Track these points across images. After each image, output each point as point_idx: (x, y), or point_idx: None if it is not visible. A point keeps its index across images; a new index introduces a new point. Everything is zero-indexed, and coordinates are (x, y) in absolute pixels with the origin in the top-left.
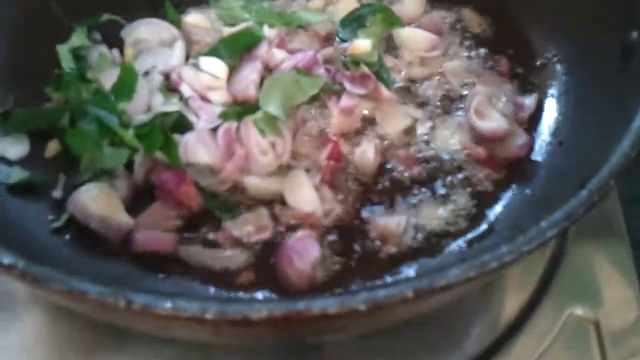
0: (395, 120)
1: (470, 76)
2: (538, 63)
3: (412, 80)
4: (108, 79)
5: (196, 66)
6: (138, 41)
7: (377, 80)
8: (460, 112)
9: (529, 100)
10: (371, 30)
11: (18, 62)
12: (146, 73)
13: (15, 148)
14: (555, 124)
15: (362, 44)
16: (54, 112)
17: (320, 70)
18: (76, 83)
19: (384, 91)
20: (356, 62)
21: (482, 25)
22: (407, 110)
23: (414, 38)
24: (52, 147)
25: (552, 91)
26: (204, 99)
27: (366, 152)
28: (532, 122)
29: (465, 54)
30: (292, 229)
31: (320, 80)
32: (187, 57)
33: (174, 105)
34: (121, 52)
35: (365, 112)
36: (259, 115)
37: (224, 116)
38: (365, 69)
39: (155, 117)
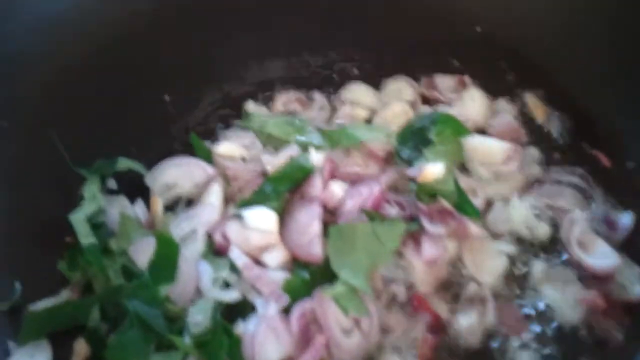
0: (488, 263)
1: (551, 198)
2: (630, 166)
3: (490, 203)
4: (139, 252)
5: (240, 217)
6: (167, 187)
7: (459, 214)
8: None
9: (625, 219)
10: (440, 149)
11: (21, 231)
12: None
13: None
14: None
15: (434, 170)
16: (79, 309)
17: (393, 210)
18: (99, 259)
19: (472, 227)
20: (430, 191)
21: (547, 113)
22: (498, 247)
23: (486, 149)
24: (80, 350)
25: None
26: (258, 262)
27: (471, 324)
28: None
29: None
30: None
31: (399, 227)
32: (226, 200)
33: (231, 293)
34: (146, 201)
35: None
36: (338, 289)
37: (291, 291)
38: (443, 202)
39: (213, 319)
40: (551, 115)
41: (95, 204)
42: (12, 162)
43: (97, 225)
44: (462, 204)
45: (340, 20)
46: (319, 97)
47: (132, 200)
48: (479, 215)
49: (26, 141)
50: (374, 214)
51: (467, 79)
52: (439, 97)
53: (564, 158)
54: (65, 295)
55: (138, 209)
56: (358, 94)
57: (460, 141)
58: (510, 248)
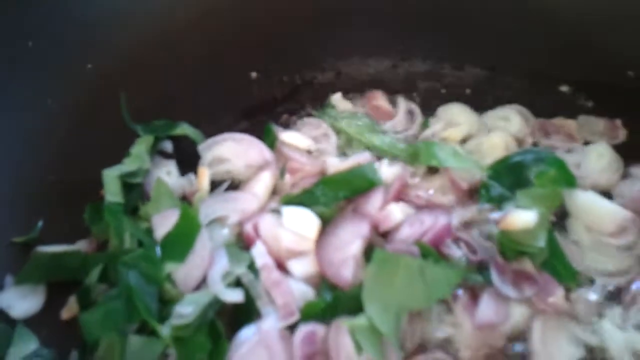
0: (561, 348)
1: None
2: None
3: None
4: (161, 222)
5: (278, 213)
6: (219, 160)
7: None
8: None
9: None
10: (537, 193)
11: (62, 176)
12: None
13: (25, 303)
14: None
15: (524, 218)
16: (81, 263)
17: (458, 252)
18: (117, 220)
19: (556, 302)
20: (514, 243)
21: None
22: (580, 334)
23: (598, 211)
24: (72, 306)
25: None
26: (282, 267)
27: None
28: None
29: None
30: None
31: (455, 275)
32: (274, 192)
33: (234, 293)
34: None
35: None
36: (359, 322)
37: (306, 315)
38: (527, 264)
39: (202, 315)
40: None
41: (137, 163)
42: (76, 107)
43: (132, 185)
44: (556, 265)
45: (470, 32)
46: (403, 103)
47: (181, 166)
48: (575, 281)
49: (92, 93)
50: (429, 250)
51: (617, 124)
52: (555, 144)
53: None
54: (79, 246)
55: (185, 180)
56: (457, 113)
57: (561, 191)
58: (594, 340)
